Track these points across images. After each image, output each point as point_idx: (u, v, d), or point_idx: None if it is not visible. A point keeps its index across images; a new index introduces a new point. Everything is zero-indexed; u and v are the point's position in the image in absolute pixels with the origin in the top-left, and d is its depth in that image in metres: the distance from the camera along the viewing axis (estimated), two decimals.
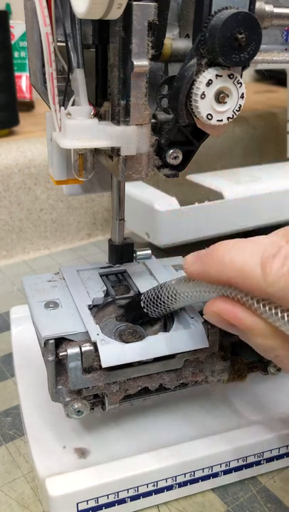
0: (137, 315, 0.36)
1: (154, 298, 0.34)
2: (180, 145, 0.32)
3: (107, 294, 0.37)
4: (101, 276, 0.39)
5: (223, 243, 0.28)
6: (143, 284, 0.38)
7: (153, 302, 0.34)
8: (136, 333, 0.36)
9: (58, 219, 0.72)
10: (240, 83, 0.29)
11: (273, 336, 0.27)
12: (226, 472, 0.36)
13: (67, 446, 0.36)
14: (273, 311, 0.26)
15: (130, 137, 0.29)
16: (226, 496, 0.35)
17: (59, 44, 0.30)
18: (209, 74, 0.28)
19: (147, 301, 0.35)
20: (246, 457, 0.36)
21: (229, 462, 0.35)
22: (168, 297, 0.33)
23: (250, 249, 0.27)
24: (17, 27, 0.89)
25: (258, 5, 0.29)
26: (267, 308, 0.26)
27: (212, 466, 0.35)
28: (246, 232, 0.64)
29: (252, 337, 0.28)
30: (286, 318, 0.25)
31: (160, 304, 0.34)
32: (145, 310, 0.35)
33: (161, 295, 0.34)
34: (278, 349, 0.27)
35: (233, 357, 0.37)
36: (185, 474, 0.34)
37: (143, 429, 0.37)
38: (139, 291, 0.37)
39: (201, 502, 0.35)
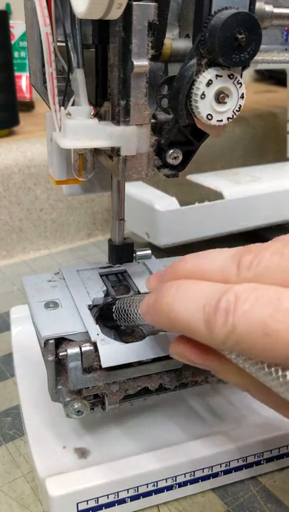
0: (111, 325, 0.36)
1: (123, 313, 0.34)
2: (180, 145, 0.32)
3: (107, 294, 0.37)
4: (101, 276, 0.39)
5: (166, 288, 0.26)
6: (143, 284, 0.38)
7: (123, 317, 0.34)
8: (136, 333, 0.36)
9: (58, 219, 0.72)
10: (240, 83, 0.29)
11: (241, 375, 0.26)
12: (226, 472, 0.36)
13: (67, 446, 0.36)
14: (234, 354, 0.24)
15: (130, 137, 0.29)
16: (226, 495, 0.35)
17: (59, 44, 0.30)
18: (209, 74, 0.28)
19: (118, 314, 0.34)
20: (246, 457, 0.36)
21: (229, 462, 0.35)
22: (136, 315, 0.32)
23: (193, 299, 0.24)
24: (17, 27, 0.89)
25: (258, 5, 0.29)
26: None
27: (212, 466, 0.35)
28: (246, 232, 0.64)
29: (221, 375, 0.27)
30: (247, 361, 0.24)
31: (129, 320, 0.33)
32: (118, 322, 0.35)
33: (130, 311, 0.33)
34: (248, 386, 0.26)
35: None
36: (185, 474, 0.34)
37: (143, 429, 0.37)
38: (114, 297, 0.37)
39: (201, 502, 0.35)
